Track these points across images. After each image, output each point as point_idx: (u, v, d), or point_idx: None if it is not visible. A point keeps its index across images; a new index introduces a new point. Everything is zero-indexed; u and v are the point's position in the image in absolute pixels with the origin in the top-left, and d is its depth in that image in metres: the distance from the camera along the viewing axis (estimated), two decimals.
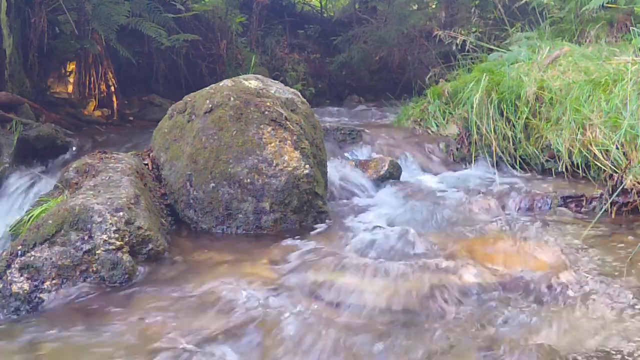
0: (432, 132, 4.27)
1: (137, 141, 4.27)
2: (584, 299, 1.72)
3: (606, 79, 3.25)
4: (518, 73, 3.88)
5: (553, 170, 3.38)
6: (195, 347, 1.52)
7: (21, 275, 1.90)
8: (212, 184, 2.51)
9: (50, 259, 1.92)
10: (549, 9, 5.68)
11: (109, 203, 2.08)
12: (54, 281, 1.90)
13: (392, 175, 3.38)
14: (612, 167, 2.77)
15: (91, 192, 2.19)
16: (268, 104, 2.62)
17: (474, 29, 7.33)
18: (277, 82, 2.95)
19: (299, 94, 2.94)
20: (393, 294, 1.80)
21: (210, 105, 2.62)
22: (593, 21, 4.89)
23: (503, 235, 2.30)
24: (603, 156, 2.93)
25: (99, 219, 2.00)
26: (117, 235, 1.99)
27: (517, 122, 3.63)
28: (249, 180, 2.49)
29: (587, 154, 3.07)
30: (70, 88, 5.55)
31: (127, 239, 2.02)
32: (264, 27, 8.70)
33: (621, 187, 2.49)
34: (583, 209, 2.67)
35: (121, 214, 2.05)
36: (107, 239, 1.97)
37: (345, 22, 9.38)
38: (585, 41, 4.49)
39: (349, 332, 1.57)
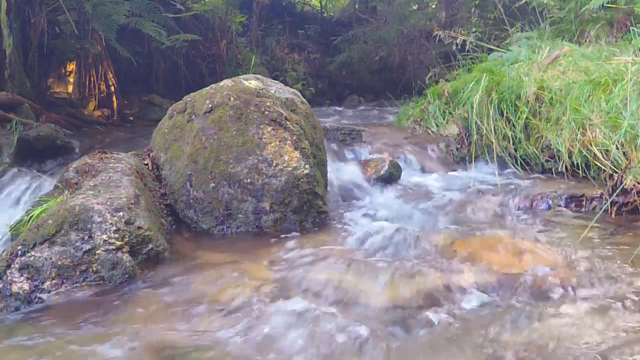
0: (432, 132, 4.27)
1: (137, 141, 4.27)
2: (584, 299, 1.72)
3: (606, 79, 3.25)
4: (518, 73, 3.88)
5: (553, 170, 3.38)
6: (195, 347, 1.52)
7: (21, 275, 1.90)
8: (212, 184, 2.51)
9: (50, 259, 1.92)
10: (549, 9, 5.68)
11: (109, 203, 2.08)
12: (54, 281, 1.90)
13: (392, 175, 3.38)
14: (612, 167, 2.76)
15: (91, 192, 2.19)
16: (268, 104, 2.62)
17: (474, 29, 7.33)
18: (277, 82, 2.95)
19: (299, 94, 2.94)
20: (393, 294, 1.80)
21: (210, 105, 2.62)
22: (593, 21, 4.89)
23: (503, 235, 2.30)
24: (603, 156, 2.92)
25: (99, 219, 2.00)
26: (117, 235, 1.99)
27: (517, 122, 3.63)
28: (249, 180, 2.49)
29: (587, 154, 3.07)
30: (70, 88, 5.55)
31: (127, 239, 2.02)
32: (264, 27, 8.70)
33: (621, 187, 2.48)
34: (583, 209, 2.67)
35: (121, 214, 2.05)
36: (107, 239, 1.97)
37: (345, 22, 9.38)
38: (585, 41, 4.48)
39: (349, 331, 1.57)
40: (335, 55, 9.01)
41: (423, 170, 3.75)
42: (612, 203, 2.54)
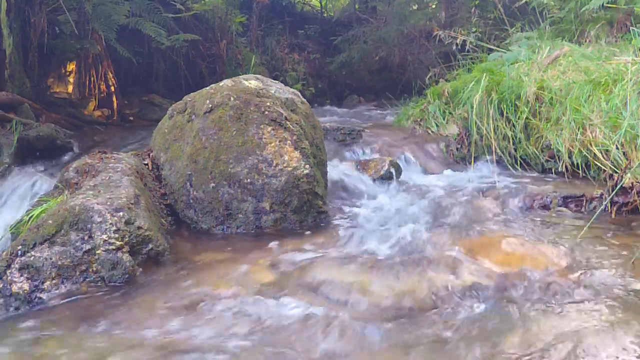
0: (432, 132, 4.27)
1: (137, 141, 4.27)
2: (583, 299, 1.72)
3: (606, 79, 3.24)
4: (518, 73, 3.88)
5: (553, 170, 3.38)
6: (194, 347, 1.52)
7: (21, 275, 1.90)
8: (212, 184, 2.51)
9: (50, 259, 1.92)
10: (549, 9, 5.68)
11: (109, 203, 2.08)
12: (54, 281, 1.90)
13: (392, 175, 3.38)
14: (612, 167, 2.76)
15: (91, 192, 2.19)
16: (268, 104, 2.62)
17: (474, 29, 7.34)
18: (277, 82, 2.95)
19: (299, 94, 2.94)
20: (393, 293, 1.80)
21: (210, 105, 2.63)
22: (593, 21, 4.89)
23: (503, 235, 2.30)
24: (603, 156, 2.92)
25: (99, 219, 2.00)
26: (117, 235, 1.99)
27: (517, 122, 3.63)
28: (249, 180, 2.49)
29: (587, 154, 3.07)
30: (70, 88, 5.55)
31: (127, 239, 2.02)
32: (264, 27, 8.70)
33: (620, 185, 2.48)
34: (583, 209, 2.67)
35: (121, 214, 2.05)
36: (107, 239, 1.97)
37: (345, 22, 9.38)
38: (585, 41, 4.48)
39: (349, 330, 1.57)
40: (335, 55, 9.00)
41: (423, 170, 3.75)
42: (612, 203, 2.54)
